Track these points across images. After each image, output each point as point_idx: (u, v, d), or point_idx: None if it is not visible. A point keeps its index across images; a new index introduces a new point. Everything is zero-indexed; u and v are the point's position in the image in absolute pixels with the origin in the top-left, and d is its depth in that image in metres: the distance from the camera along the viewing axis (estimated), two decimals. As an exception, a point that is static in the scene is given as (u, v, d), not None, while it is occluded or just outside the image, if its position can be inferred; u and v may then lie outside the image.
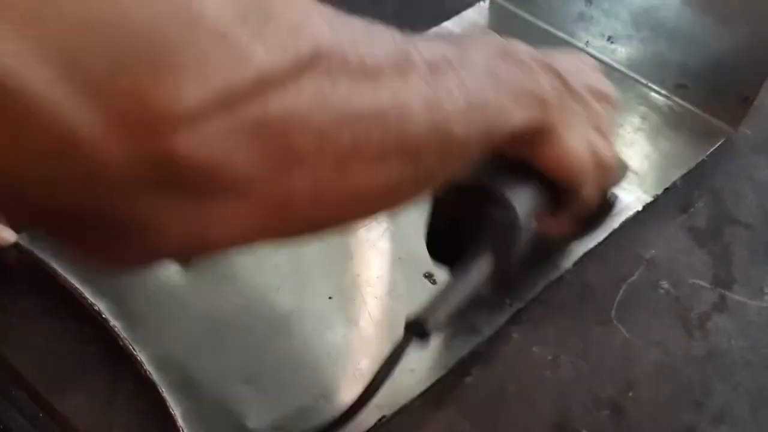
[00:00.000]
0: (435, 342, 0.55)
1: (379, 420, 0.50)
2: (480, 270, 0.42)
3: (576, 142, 0.41)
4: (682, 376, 0.55)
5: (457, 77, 0.34)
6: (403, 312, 0.57)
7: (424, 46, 0.33)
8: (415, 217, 0.63)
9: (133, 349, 0.52)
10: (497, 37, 0.41)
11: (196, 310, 0.56)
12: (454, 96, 0.33)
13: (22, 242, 0.56)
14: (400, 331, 0.55)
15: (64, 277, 0.55)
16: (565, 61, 0.42)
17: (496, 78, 0.36)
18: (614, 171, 0.48)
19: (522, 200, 0.42)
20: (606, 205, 0.56)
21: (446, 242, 0.45)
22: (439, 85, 0.32)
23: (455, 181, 0.40)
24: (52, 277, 0.55)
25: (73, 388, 0.51)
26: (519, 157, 0.41)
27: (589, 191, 0.45)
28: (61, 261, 0.56)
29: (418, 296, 0.57)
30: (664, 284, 0.61)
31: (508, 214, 0.41)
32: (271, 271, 0.59)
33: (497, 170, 0.41)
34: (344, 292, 0.58)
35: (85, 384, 0.52)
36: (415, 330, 0.42)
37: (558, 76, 0.40)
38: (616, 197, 0.58)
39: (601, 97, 0.45)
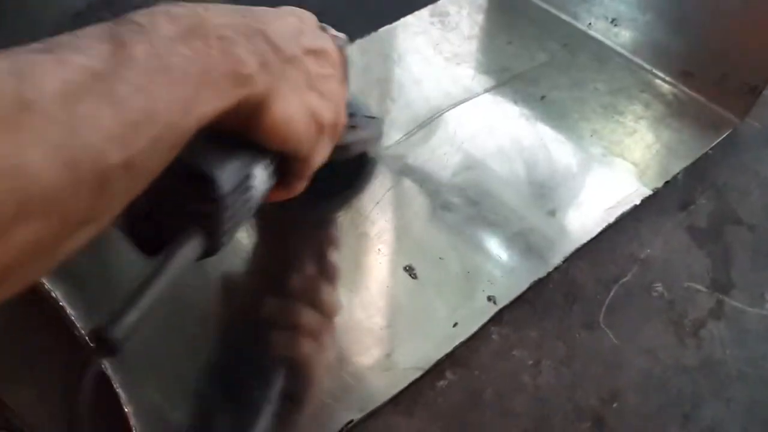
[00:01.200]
0: (410, 342, 0.52)
1: (347, 424, 0.47)
2: (184, 257, 0.37)
3: (291, 109, 0.39)
4: (671, 387, 0.52)
5: (109, 96, 0.28)
6: (381, 305, 0.55)
7: (56, 67, 0.28)
8: (394, 207, 0.61)
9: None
10: (191, 11, 0.35)
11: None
12: (100, 123, 0.28)
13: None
14: (376, 326, 0.53)
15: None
16: (279, 24, 0.40)
17: (170, 71, 0.31)
18: (339, 130, 0.46)
19: (229, 174, 0.38)
20: (364, 161, 0.60)
21: (148, 228, 0.39)
22: (74, 117, 0.27)
23: None
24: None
25: (24, 381, 0.48)
26: (231, 130, 0.38)
27: (314, 155, 0.44)
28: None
29: (397, 289, 0.55)
30: (658, 287, 0.57)
31: (210, 191, 0.37)
32: (241, 257, 0.55)
33: (202, 145, 0.37)
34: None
35: (37, 376, 0.49)
36: (98, 343, 0.33)
37: (268, 42, 0.38)
38: (371, 160, 0.61)
39: (321, 55, 0.43)
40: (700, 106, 0.71)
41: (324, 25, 0.48)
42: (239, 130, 0.38)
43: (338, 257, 0.56)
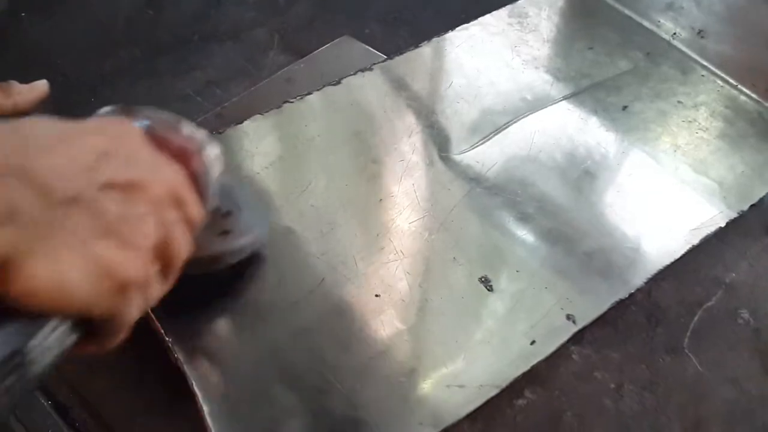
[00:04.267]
0: (486, 357, 0.50)
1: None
2: None
3: (62, 267, 0.30)
4: (757, 419, 0.50)
5: None
6: (455, 316, 0.53)
7: None
8: (469, 214, 0.59)
9: (165, 336, 0.48)
10: None
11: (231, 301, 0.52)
12: None
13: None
14: (450, 339, 0.51)
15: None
16: (60, 153, 0.31)
17: None
18: (146, 281, 0.34)
19: None
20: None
21: None
22: None
23: None
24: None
25: (100, 374, 0.48)
26: None
27: (119, 315, 0.33)
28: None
29: (472, 300, 0.53)
30: (744, 313, 0.55)
31: None
32: (314, 263, 0.54)
33: None
34: (392, 292, 0.53)
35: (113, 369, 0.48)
36: None
37: (30, 182, 0.29)
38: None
39: (133, 189, 0.33)
40: (787, 126, 0.69)
41: (177, 122, 0.40)
42: None
43: (413, 264, 0.55)
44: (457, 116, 0.67)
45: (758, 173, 0.65)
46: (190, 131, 0.41)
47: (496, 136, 0.65)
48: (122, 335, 0.34)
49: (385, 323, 0.51)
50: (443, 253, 0.56)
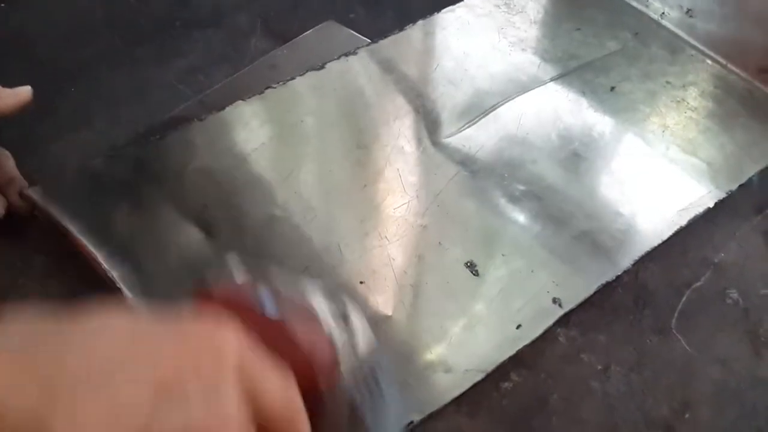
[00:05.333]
0: (472, 342, 0.49)
1: (407, 425, 0.45)
2: None
3: None
4: (746, 400, 0.49)
5: None
6: (440, 301, 0.52)
7: None
8: (456, 199, 0.58)
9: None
10: None
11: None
12: None
13: (35, 196, 0.52)
14: (436, 324, 0.51)
15: (77, 237, 0.50)
16: (106, 396, 0.22)
17: None
18: None
19: None
20: None
21: None
22: None
23: None
24: (63, 236, 0.51)
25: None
26: None
27: None
28: (75, 220, 0.51)
29: (458, 286, 0.53)
30: (733, 293, 0.55)
31: None
32: (298, 250, 0.53)
33: None
34: (376, 278, 0.52)
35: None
36: None
37: None
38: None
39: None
40: (777, 105, 0.68)
41: (311, 304, 0.31)
42: None
43: (399, 249, 0.54)
44: (443, 99, 0.66)
45: (748, 153, 0.64)
46: (328, 322, 0.31)
47: (484, 119, 0.65)
48: None
49: (370, 310, 0.51)
50: (429, 239, 0.55)
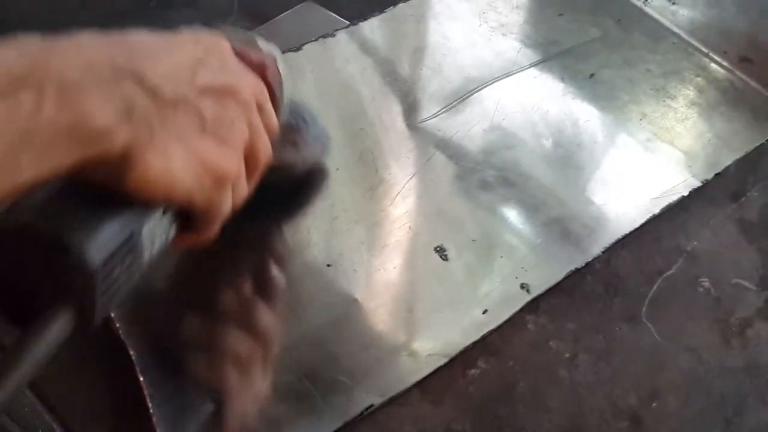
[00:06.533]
0: (437, 327, 0.49)
1: (366, 409, 0.45)
2: (49, 340, 0.31)
3: (172, 162, 0.33)
4: (715, 390, 0.49)
5: None
6: (407, 285, 0.52)
7: None
8: (428, 183, 0.58)
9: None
10: (22, 53, 0.28)
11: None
12: None
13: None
14: (402, 309, 0.50)
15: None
16: (164, 60, 0.33)
17: None
18: (239, 177, 0.38)
19: (103, 240, 0.32)
20: (314, 174, 0.55)
21: (18, 298, 0.34)
22: None
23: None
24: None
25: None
26: (102, 185, 0.32)
27: (215, 208, 0.37)
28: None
29: (426, 270, 0.52)
30: (705, 282, 0.54)
31: (78, 264, 0.31)
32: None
33: (69, 206, 0.32)
34: (344, 261, 0.52)
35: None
36: None
37: (141, 84, 0.32)
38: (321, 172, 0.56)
39: (226, 94, 0.37)
40: (758, 94, 0.67)
41: (253, 39, 0.43)
42: (111, 187, 0.32)
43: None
44: (421, 83, 0.65)
45: (726, 142, 0.64)
46: (265, 47, 0.44)
47: (461, 104, 0.64)
48: (216, 228, 0.38)
49: (336, 293, 0.50)
50: (399, 222, 0.55)
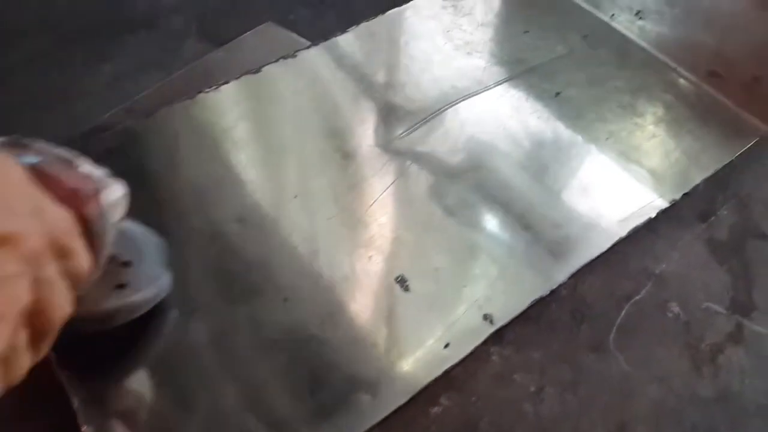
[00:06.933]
0: (398, 363, 0.47)
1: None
2: None
3: None
4: (685, 421, 0.48)
5: None
6: (367, 319, 0.50)
7: None
8: (390, 210, 0.56)
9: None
10: None
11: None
12: None
13: None
14: (362, 344, 0.48)
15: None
16: None
17: None
18: (11, 353, 0.31)
19: None
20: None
21: None
22: None
23: None
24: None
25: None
26: None
27: None
28: None
29: (386, 302, 0.50)
30: (674, 307, 0.53)
31: None
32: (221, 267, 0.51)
33: None
34: (303, 293, 0.50)
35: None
36: None
37: None
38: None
39: (4, 245, 0.30)
40: (726, 110, 0.66)
41: (73, 158, 0.37)
42: None
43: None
44: (385, 104, 0.64)
45: (694, 160, 0.62)
46: (87, 170, 0.37)
47: (425, 125, 0.62)
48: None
49: (293, 328, 0.48)
50: (359, 252, 0.53)
